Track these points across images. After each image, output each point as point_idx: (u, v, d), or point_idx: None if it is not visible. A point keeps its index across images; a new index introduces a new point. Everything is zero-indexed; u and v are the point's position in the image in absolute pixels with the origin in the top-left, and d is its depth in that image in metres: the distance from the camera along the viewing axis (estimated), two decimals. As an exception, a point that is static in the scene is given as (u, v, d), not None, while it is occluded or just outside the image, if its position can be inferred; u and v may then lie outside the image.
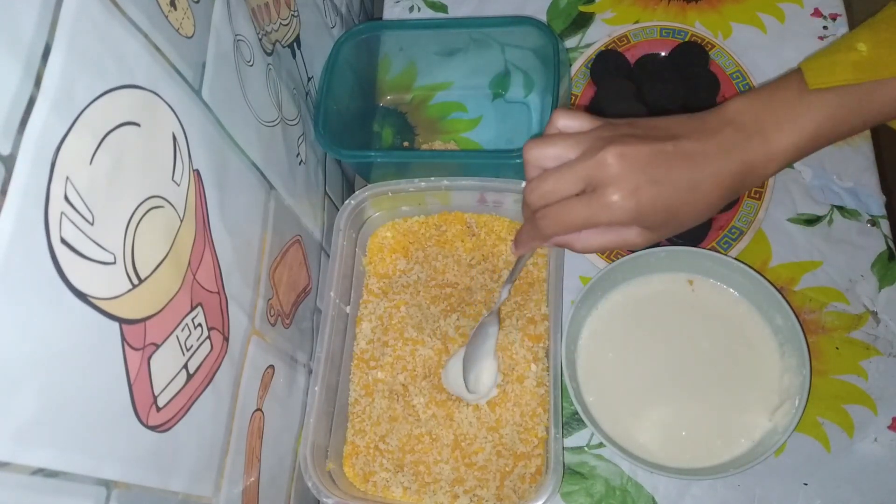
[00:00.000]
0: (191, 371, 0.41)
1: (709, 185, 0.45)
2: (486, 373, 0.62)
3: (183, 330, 0.40)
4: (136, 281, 0.35)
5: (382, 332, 0.66)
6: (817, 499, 0.59)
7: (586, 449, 0.63)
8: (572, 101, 0.73)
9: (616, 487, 0.61)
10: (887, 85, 0.44)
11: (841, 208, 0.68)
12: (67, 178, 0.30)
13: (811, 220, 0.68)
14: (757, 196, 0.66)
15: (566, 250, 0.66)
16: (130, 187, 0.35)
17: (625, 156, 0.44)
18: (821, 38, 0.75)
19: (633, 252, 0.63)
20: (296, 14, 0.63)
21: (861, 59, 0.44)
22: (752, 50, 0.74)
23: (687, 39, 0.73)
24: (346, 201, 0.66)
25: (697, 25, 0.76)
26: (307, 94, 0.68)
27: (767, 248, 0.67)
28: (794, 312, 0.59)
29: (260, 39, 0.54)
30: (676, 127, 0.47)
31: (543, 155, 0.47)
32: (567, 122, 0.48)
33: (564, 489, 0.61)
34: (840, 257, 0.66)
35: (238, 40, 0.50)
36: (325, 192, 0.70)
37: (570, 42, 0.79)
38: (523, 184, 0.63)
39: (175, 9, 0.40)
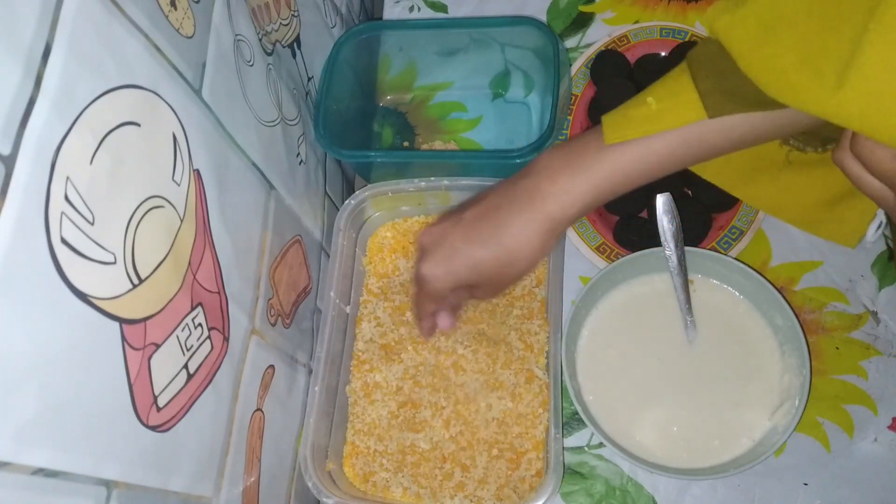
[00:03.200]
0: (191, 371, 0.41)
1: (517, 233, 0.50)
2: None
3: (183, 330, 0.40)
4: (136, 281, 0.35)
5: (382, 332, 0.66)
6: (817, 499, 0.59)
7: (586, 449, 0.63)
8: (572, 101, 0.73)
9: (616, 487, 0.61)
10: (672, 135, 0.47)
11: (841, 208, 0.68)
12: (68, 177, 0.30)
13: (811, 220, 0.68)
14: (757, 196, 0.66)
15: (565, 251, 0.66)
16: (131, 187, 0.35)
17: (430, 233, 0.54)
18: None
19: (631, 253, 0.63)
20: (296, 14, 0.63)
21: (650, 114, 0.47)
22: (752, 50, 0.74)
23: (687, 39, 0.73)
24: (346, 201, 0.66)
25: (697, 25, 0.76)
26: (307, 94, 0.68)
27: (767, 248, 0.67)
28: (794, 312, 0.59)
29: (260, 39, 0.54)
30: (489, 192, 0.54)
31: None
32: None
33: (564, 489, 0.61)
34: (840, 257, 0.66)
35: (238, 40, 0.50)
36: (325, 192, 0.70)
37: (570, 42, 0.79)
38: (523, 184, 0.64)
39: (175, 9, 0.40)
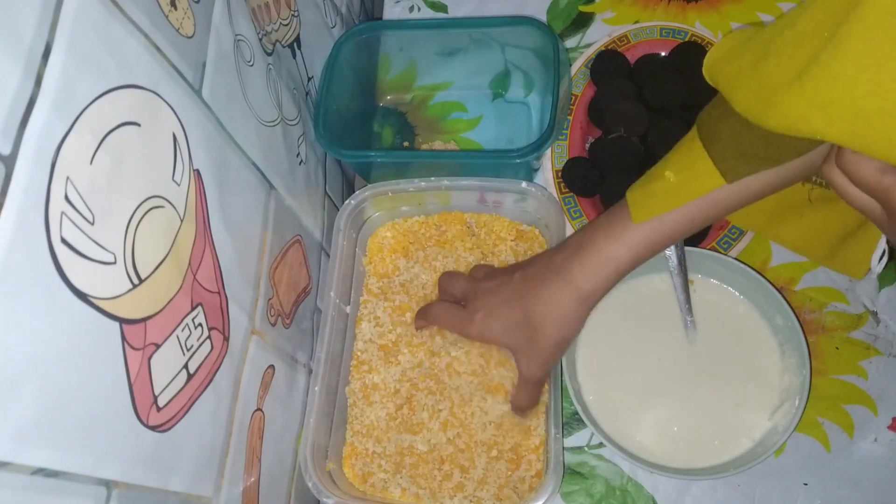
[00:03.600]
0: (191, 371, 0.41)
1: (544, 302, 0.54)
2: None
3: (183, 330, 0.40)
4: (136, 281, 0.35)
5: (382, 332, 0.66)
6: (817, 499, 0.59)
7: (586, 449, 0.63)
8: (572, 101, 0.73)
9: (616, 487, 0.61)
10: (693, 204, 0.50)
11: (841, 208, 0.68)
12: (68, 177, 0.30)
13: (811, 220, 0.68)
14: (757, 196, 0.66)
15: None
16: (131, 187, 0.35)
17: (482, 286, 0.60)
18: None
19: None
20: (296, 14, 0.63)
21: (670, 188, 0.50)
22: (752, 50, 0.74)
23: (687, 39, 0.73)
24: (346, 201, 0.66)
25: (697, 25, 0.76)
26: (307, 94, 0.68)
27: (767, 248, 0.67)
28: (794, 312, 0.59)
29: (260, 39, 0.54)
30: (537, 259, 0.59)
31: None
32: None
33: (564, 489, 0.61)
34: (840, 257, 0.66)
35: (238, 40, 0.50)
36: (325, 192, 0.70)
37: (570, 42, 0.79)
38: (523, 184, 0.64)
39: (175, 9, 0.40)
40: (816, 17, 0.38)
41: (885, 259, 0.58)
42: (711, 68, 0.47)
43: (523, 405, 0.59)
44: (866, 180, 0.39)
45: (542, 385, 0.59)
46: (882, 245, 0.58)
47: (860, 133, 0.37)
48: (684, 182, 0.49)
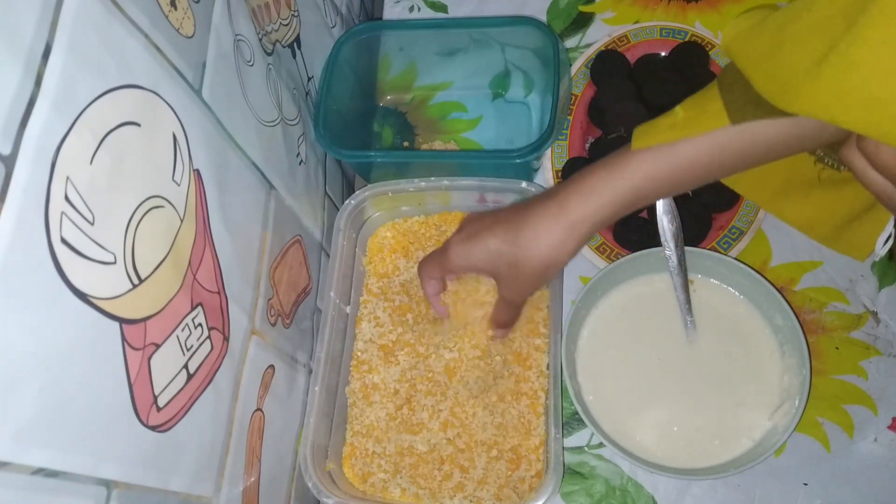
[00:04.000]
0: (191, 371, 0.41)
1: (532, 229, 0.52)
2: None
3: (183, 330, 0.40)
4: (136, 281, 0.35)
5: (382, 332, 0.66)
6: (817, 499, 0.59)
7: (586, 449, 0.63)
8: (572, 101, 0.73)
9: (616, 487, 0.61)
10: (698, 142, 0.48)
11: (841, 208, 0.68)
12: (68, 177, 0.30)
13: (811, 220, 0.68)
14: (757, 196, 0.66)
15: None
16: (131, 187, 0.35)
17: (471, 217, 0.58)
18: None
19: (631, 253, 0.63)
20: (296, 14, 0.63)
21: (676, 122, 0.49)
22: (752, 50, 0.74)
23: (687, 39, 0.73)
24: (346, 201, 0.66)
25: (697, 25, 0.76)
26: (307, 94, 0.68)
27: (767, 248, 0.67)
28: (794, 312, 0.59)
29: (260, 39, 0.54)
30: (533, 196, 0.57)
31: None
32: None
33: (564, 489, 0.61)
34: (840, 257, 0.66)
35: (238, 40, 0.50)
36: (325, 192, 0.70)
37: (570, 42, 0.79)
38: (523, 184, 0.64)
39: (175, 9, 0.40)
40: (834, 4, 0.38)
41: (889, 243, 0.58)
42: (728, 47, 0.46)
43: (502, 320, 0.60)
44: (885, 164, 0.40)
45: (521, 307, 0.59)
46: (889, 229, 0.58)
47: (877, 121, 0.37)
48: (692, 118, 0.49)
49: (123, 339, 0.34)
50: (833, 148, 0.53)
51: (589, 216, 0.51)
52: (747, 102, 0.46)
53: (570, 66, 0.74)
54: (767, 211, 0.65)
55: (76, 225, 0.30)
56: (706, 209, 0.67)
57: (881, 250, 0.59)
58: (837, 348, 0.64)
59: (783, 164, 0.51)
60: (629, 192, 0.50)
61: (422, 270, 0.61)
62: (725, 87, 0.47)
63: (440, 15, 0.83)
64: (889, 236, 0.57)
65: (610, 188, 0.50)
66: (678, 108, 0.49)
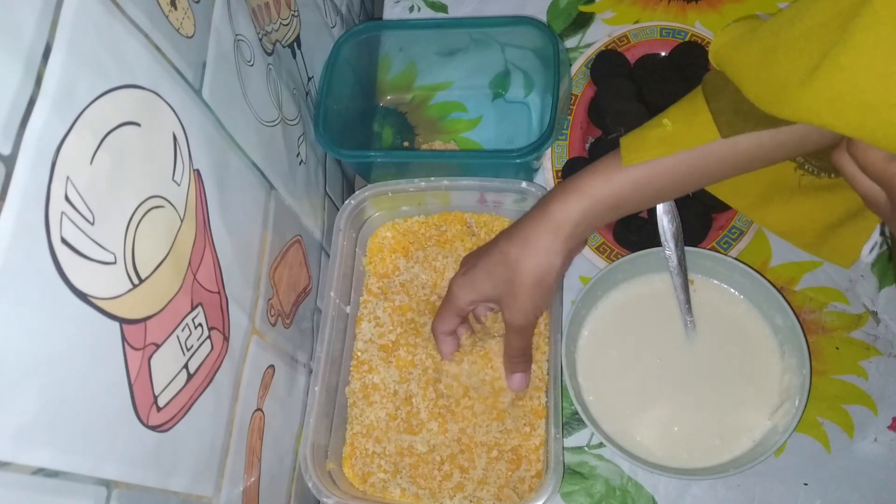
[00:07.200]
0: (191, 371, 0.41)
1: (521, 238, 0.53)
2: None
3: (183, 330, 0.40)
4: (136, 281, 0.35)
5: (382, 332, 0.66)
6: (817, 499, 0.59)
7: (586, 449, 0.63)
8: (572, 101, 0.73)
9: (616, 487, 0.61)
10: (684, 154, 0.49)
11: (841, 208, 0.68)
12: (68, 177, 0.30)
13: (811, 220, 0.68)
14: (757, 196, 0.66)
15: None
16: (131, 187, 0.35)
17: (465, 257, 0.61)
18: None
19: (631, 253, 0.63)
20: (296, 14, 0.63)
21: (665, 135, 0.50)
22: (752, 50, 0.74)
23: (687, 39, 0.73)
24: (346, 201, 0.66)
25: (697, 25, 0.76)
26: (307, 94, 0.68)
27: (767, 248, 0.67)
28: (794, 312, 0.59)
29: (260, 39, 0.54)
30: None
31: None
32: None
33: (564, 489, 0.61)
34: (840, 257, 0.66)
35: (238, 40, 0.50)
36: (325, 192, 0.70)
37: (570, 42, 0.79)
38: (523, 184, 0.64)
39: (175, 8, 0.40)
40: (827, 11, 0.39)
41: (875, 251, 0.58)
42: (717, 55, 0.47)
43: (513, 354, 0.58)
44: (874, 167, 0.40)
45: (530, 333, 0.58)
46: (875, 237, 0.58)
47: (868, 125, 0.38)
48: (680, 131, 0.49)
49: (123, 339, 0.34)
50: (815, 155, 0.53)
51: (569, 219, 0.52)
52: (735, 113, 0.47)
53: (570, 66, 0.74)
54: (749, 217, 0.65)
55: (76, 225, 0.30)
56: (706, 209, 0.67)
57: (867, 258, 0.59)
58: (837, 348, 0.64)
59: (764, 170, 0.51)
60: (612, 197, 0.51)
61: (435, 327, 0.61)
62: (711, 97, 0.48)
63: (440, 15, 0.83)
64: (875, 244, 0.58)
65: (594, 197, 0.52)
66: (665, 119, 0.50)
